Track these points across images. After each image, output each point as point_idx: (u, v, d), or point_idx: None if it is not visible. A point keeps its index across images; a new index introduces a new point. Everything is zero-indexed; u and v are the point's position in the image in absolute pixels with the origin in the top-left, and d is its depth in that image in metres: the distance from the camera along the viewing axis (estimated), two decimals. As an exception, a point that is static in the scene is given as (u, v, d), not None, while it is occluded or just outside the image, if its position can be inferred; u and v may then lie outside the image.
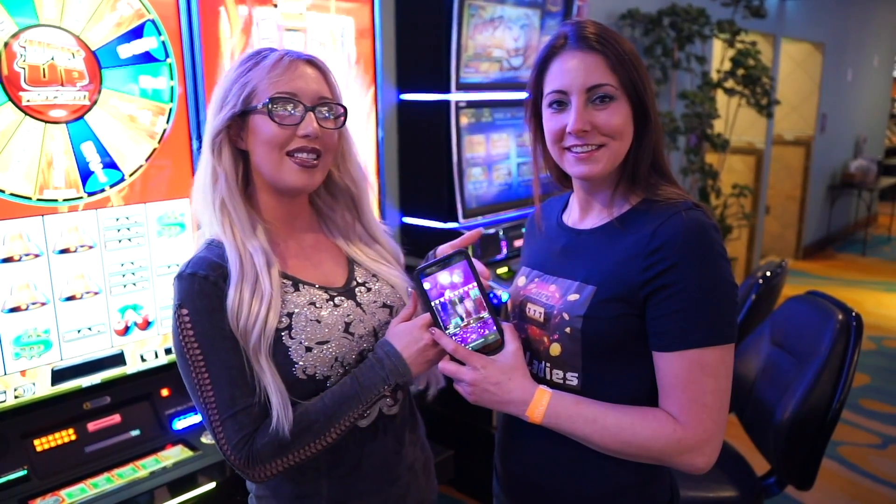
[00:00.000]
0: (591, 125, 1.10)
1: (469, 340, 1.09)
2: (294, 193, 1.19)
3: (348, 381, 1.11)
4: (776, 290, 2.56)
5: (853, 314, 1.83)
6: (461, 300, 1.09)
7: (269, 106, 1.10)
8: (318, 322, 1.13)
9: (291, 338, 1.11)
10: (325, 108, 1.16)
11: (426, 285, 1.08)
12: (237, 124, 1.14)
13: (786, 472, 1.88)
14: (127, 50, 1.74)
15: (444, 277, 1.09)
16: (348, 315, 1.17)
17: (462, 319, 1.09)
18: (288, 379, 1.10)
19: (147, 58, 1.78)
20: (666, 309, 1.06)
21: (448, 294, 1.09)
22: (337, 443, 1.14)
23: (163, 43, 1.81)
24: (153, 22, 1.78)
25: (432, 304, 1.08)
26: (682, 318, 1.05)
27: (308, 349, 1.11)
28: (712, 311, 1.05)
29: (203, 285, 1.09)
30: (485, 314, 1.10)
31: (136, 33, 1.76)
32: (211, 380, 1.08)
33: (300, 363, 1.10)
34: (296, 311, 1.13)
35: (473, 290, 1.10)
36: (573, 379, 1.14)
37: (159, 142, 1.83)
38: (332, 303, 1.17)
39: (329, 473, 1.18)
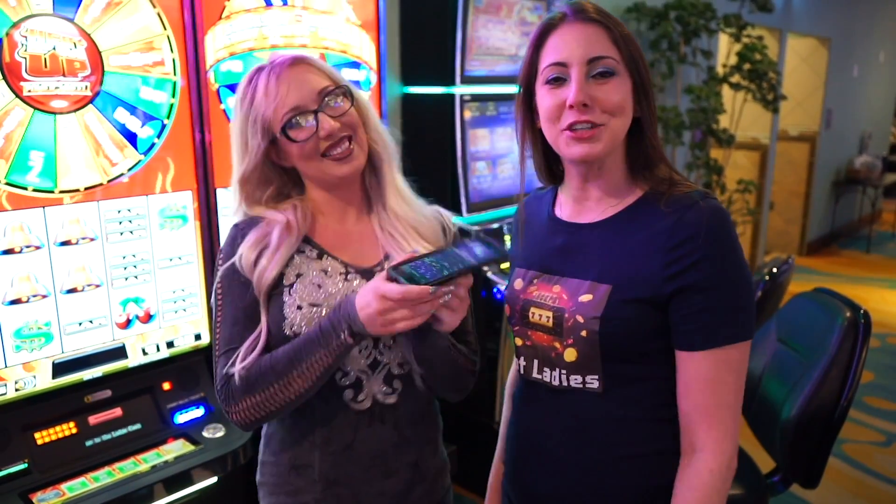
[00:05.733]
0: (591, 100, 1.03)
1: (420, 270, 1.05)
2: (344, 184, 1.23)
3: (313, 328, 1.13)
4: (783, 286, 2.54)
5: (861, 312, 1.81)
6: (458, 258, 1.08)
7: (285, 132, 1.15)
8: (319, 287, 1.17)
9: (290, 294, 1.16)
10: (332, 98, 1.17)
11: (466, 241, 1.12)
12: (273, 150, 1.19)
13: (792, 471, 1.87)
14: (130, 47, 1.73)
15: (478, 248, 1.10)
16: (353, 290, 1.17)
17: (438, 263, 1.07)
18: (279, 334, 1.16)
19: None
20: (693, 306, 1.03)
21: (460, 252, 1.10)
22: (330, 419, 1.18)
23: (167, 37, 1.79)
24: (157, 15, 1.77)
25: (451, 247, 1.13)
26: (710, 316, 1.02)
27: (299, 307, 1.16)
28: (738, 308, 1.03)
29: (237, 234, 1.21)
30: (445, 272, 1.05)
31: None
32: (221, 318, 1.19)
33: (289, 318, 1.15)
34: (305, 272, 1.18)
35: (468, 261, 1.08)
36: (593, 381, 1.10)
37: (160, 134, 1.81)
38: (344, 276, 1.19)
39: (322, 448, 1.20)
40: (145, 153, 1.80)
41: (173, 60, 1.82)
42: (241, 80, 1.20)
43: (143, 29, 1.76)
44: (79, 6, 1.65)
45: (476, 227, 2.65)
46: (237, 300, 1.17)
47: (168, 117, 1.83)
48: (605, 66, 1.04)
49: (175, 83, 1.83)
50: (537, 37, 1.10)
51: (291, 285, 1.17)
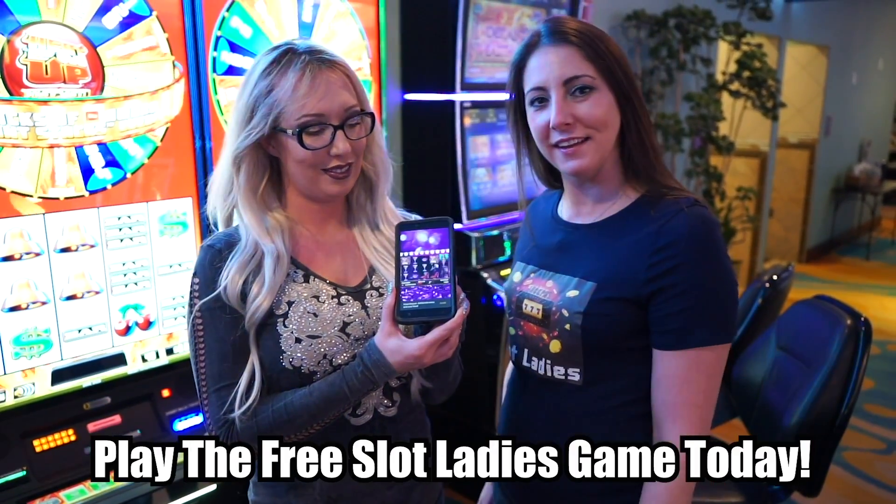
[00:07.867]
0: (573, 118, 1.10)
1: (420, 298, 1.05)
2: (329, 201, 1.20)
3: (337, 383, 1.09)
4: (783, 294, 2.54)
5: (862, 319, 1.81)
6: (429, 260, 1.05)
7: (300, 133, 1.09)
8: (315, 315, 1.13)
9: (285, 326, 1.12)
10: (355, 120, 1.14)
11: (403, 237, 1.06)
12: (267, 135, 1.13)
13: (792, 479, 1.86)
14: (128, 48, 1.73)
15: (421, 236, 1.06)
16: (349, 315, 1.16)
17: (422, 277, 1.05)
18: (275, 368, 1.11)
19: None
20: (670, 308, 1.07)
21: (419, 251, 1.06)
22: (329, 436, 1.14)
23: (167, 41, 1.79)
24: (157, 20, 1.77)
25: (401, 254, 1.06)
26: (686, 318, 1.06)
27: (298, 340, 1.11)
28: (715, 311, 1.07)
29: (215, 258, 1.13)
30: (445, 280, 1.05)
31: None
32: (205, 350, 1.12)
33: (287, 352, 1.11)
34: (296, 300, 1.13)
35: (444, 255, 1.05)
36: (575, 375, 1.15)
37: (161, 140, 1.81)
38: (336, 300, 1.16)
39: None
40: (91, 191, 1.72)
41: (166, 129, 1.81)
42: (265, 55, 1.13)
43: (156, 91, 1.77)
44: (107, 41, 1.66)
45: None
46: (223, 334, 1.11)
47: (133, 172, 1.78)
48: (581, 83, 1.10)
49: (157, 145, 1.80)
50: (517, 60, 1.17)
51: (285, 315, 1.12)
